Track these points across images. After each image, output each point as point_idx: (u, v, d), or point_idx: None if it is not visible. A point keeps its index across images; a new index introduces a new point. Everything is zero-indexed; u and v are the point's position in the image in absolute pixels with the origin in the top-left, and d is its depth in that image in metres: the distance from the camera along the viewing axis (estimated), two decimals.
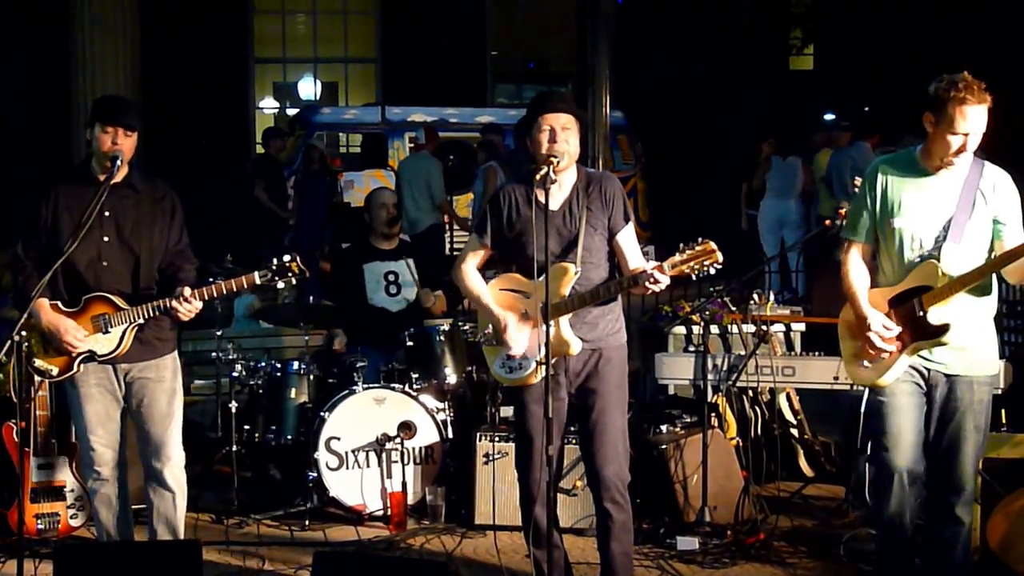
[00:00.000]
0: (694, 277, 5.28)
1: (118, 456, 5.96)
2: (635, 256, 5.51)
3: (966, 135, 4.87)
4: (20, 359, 5.32)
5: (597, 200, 5.50)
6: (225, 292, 5.78)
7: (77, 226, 5.56)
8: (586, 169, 5.68)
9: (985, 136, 4.96)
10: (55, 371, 5.76)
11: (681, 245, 5.23)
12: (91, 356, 5.74)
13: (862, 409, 5.14)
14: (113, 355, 5.76)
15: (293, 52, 23.25)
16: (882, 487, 5.16)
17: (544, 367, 5.25)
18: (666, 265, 5.22)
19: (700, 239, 5.21)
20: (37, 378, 5.86)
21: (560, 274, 5.37)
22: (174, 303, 5.63)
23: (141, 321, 5.75)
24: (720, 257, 5.19)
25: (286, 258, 5.79)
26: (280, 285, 5.83)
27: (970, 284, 4.91)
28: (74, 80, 14.53)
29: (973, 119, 4.85)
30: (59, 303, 5.73)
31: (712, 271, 5.21)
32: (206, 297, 5.71)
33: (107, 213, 5.74)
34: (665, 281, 5.23)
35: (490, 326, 5.67)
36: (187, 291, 5.64)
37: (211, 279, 6.02)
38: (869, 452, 5.21)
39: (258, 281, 5.76)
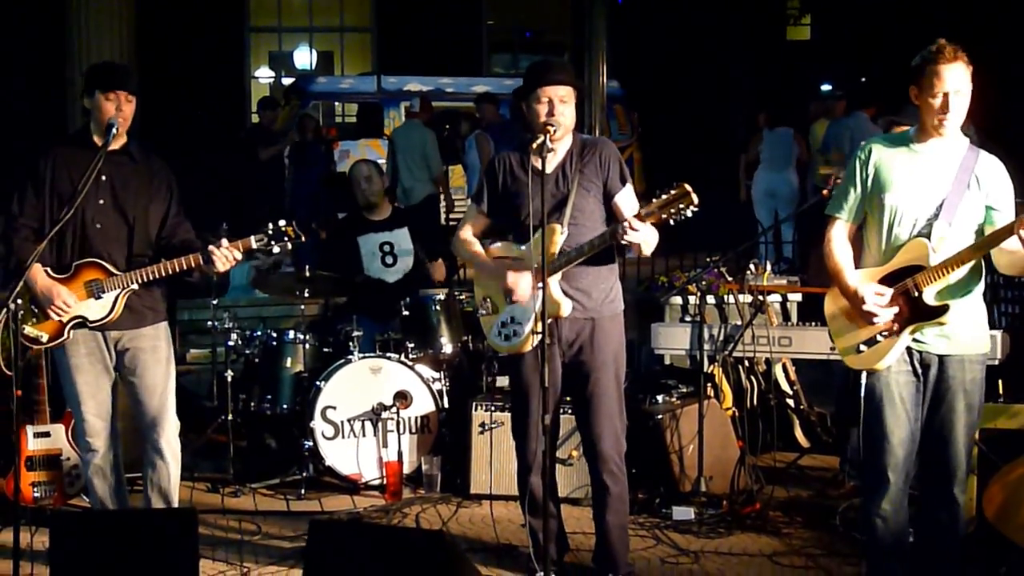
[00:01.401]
0: (672, 223, 5.21)
1: (110, 426, 5.96)
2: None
3: (946, 94, 4.84)
4: (16, 327, 5.30)
5: (592, 163, 5.50)
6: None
7: (73, 192, 5.56)
8: (582, 135, 5.67)
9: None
10: (45, 337, 5.74)
11: (657, 191, 5.19)
12: (82, 322, 5.74)
13: (862, 394, 5.08)
14: (105, 321, 5.75)
15: (288, 21, 23.20)
16: (872, 484, 5.12)
17: (538, 335, 5.24)
18: (643, 212, 5.19)
19: (675, 183, 5.17)
20: (33, 346, 5.83)
21: (548, 235, 5.35)
22: (213, 252, 5.67)
23: (134, 286, 5.75)
24: (696, 199, 5.11)
25: (281, 222, 5.84)
26: (276, 250, 5.87)
27: (966, 262, 4.85)
28: (69, 51, 14.46)
29: (950, 78, 4.80)
30: (49, 269, 5.72)
31: (690, 213, 5.13)
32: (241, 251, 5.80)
33: (103, 177, 5.75)
34: (642, 229, 5.18)
35: (486, 297, 5.68)
36: (225, 242, 5.71)
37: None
38: (862, 439, 5.18)
39: (254, 245, 5.80)
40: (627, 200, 5.53)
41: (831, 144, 13.41)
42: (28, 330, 5.70)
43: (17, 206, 5.74)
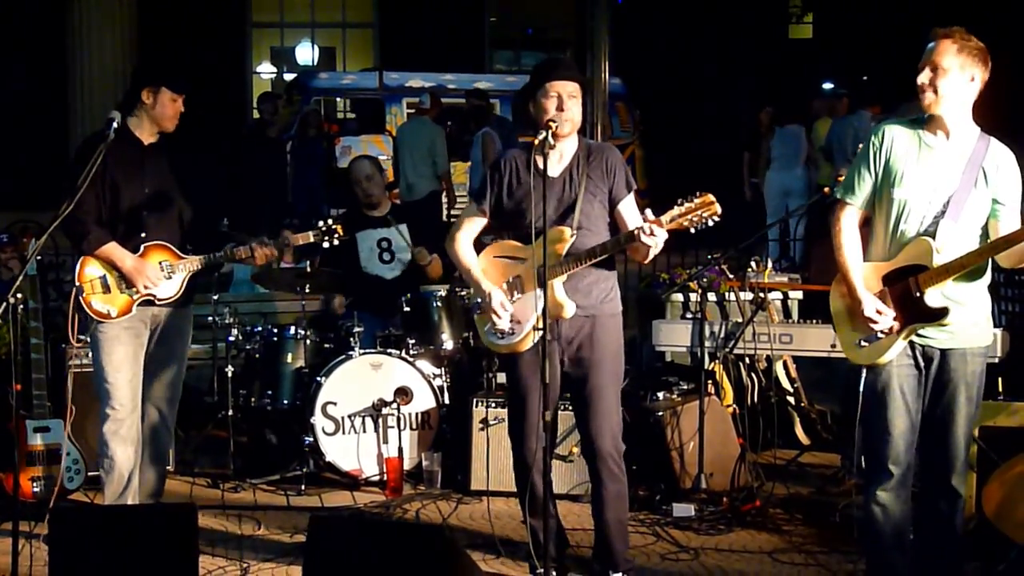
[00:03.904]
0: (692, 231, 5.25)
1: (136, 402, 6.14)
2: (636, 224, 5.48)
3: (922, 69, 4.85)
4: (16, 321, 5.34)
5: (598, 169, 5.50)
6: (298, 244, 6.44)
7: (120, 182, 5.96)
8: (586, 140, 5.67)
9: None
10: (115, 312, 6.05)
11: (679, 199, 5.22)
12: (151, 300, 6.07)
13: (860, 389, 5.09)
14: (171, 300, 6.13)
15: (291, 17, 23.18)
16: (872, 475, 5.12)
17: (537, 332, 5.27)
18: (664, 218, 5.20)
19: (698, 192, 5.20)
20: (102, 320, 6.04)
21: (556, 238, 5.36)
22: (255, 248, 6.16)
23: (197, 269, 6.15)
24: (719, 209, 5.18)
25: (331, 221, 6.42)
26: (325, 245, 6.46)
27: (968, 268, 4.84)
28: (70, 45, 14.49)
29: (929, 54, 4.83)
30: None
31: (711, 223, 5.19)
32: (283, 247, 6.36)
33: (146, 167, 6.09)
34: (662, 235, 5.21)
35: (481, 295, 5.67)
36: (264, 239, 6.22)
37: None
38: (862, 434, 5.18)
39: (312, 239, 6.38)
40: (630, 208, 5.55)
41: (834, 142, 13.40)
42: (98, 305, 6.02)
43: (74, 205, 5.84)
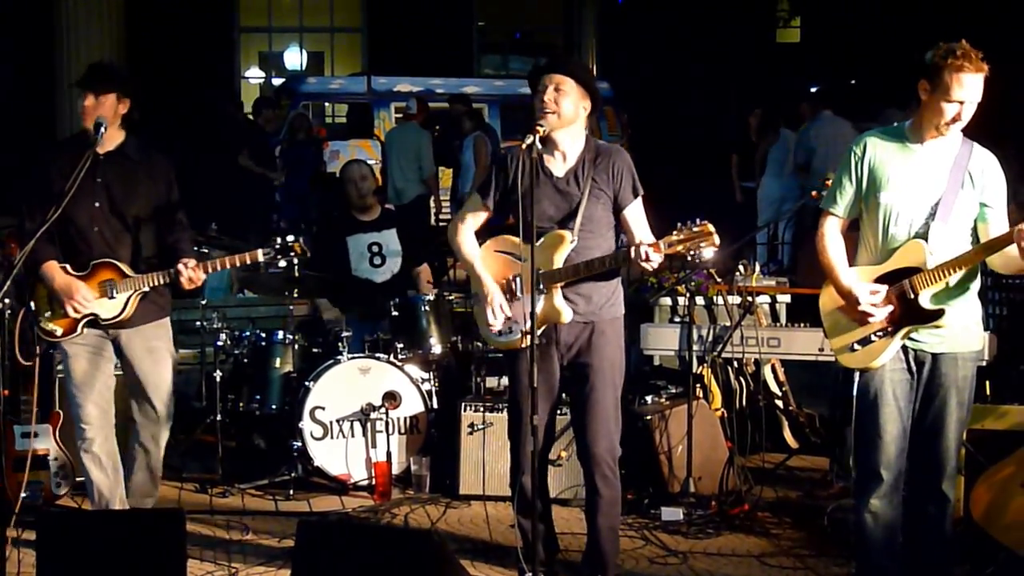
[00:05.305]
0: (689, 257, 5.30)
1: (107, 416, 6.04)
2: (643, 231, 5.48)
3: (962, 103, 4.82)
4: (3, 326, 5.34)
5: (604, 172, 5.47)
6: (228, 267, 6.07)
7: (59, 194, 5.58)
8: (596, 141, 5.66)
9: (977, 111, 4.92)
10: (60, 332, 5.89)
11: (679, 225, 5.25)
12: (95, 320, 5.87)
13: (854, 392, 5.10)
14: (116, 320, 5.88)
15: (279, 21, 23.21)
16: (864, 481, 5.13)
17: (531, 336, 5.26)
18: (663, 243, 5.24)
19: (698, 220, 5.23)
20: (48, 339, 5.96)
21: (556, 241, 5.37)
22: (180, 272, 5.78)
23: (146, 289, 5.88)
24: (717, 240, 5.23)
25: (289, 238, 5.98)
26: (282, 264, 6.10)
27: (963, 267, 4.86)
28: (58, 51, 14.43)
29: (969, 87, 4.80)
30: (67, 267, 5.84)
31: (708, 253, 5.25)
32: (209, 270, 5.88)
33: (99, 180, 5.84)
34: (657, 259, 5.24)
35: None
36: (191, 263, 5.81)
37: (205, 251, 6.11)
38: (854, 439, 5.18)
39: (261, 259, 5.96)
40: (636, 214, 5.53)
41: (810, 148, 13.31)
42: (44, 324, 5.89)
43: (27, 218, 5.82)
